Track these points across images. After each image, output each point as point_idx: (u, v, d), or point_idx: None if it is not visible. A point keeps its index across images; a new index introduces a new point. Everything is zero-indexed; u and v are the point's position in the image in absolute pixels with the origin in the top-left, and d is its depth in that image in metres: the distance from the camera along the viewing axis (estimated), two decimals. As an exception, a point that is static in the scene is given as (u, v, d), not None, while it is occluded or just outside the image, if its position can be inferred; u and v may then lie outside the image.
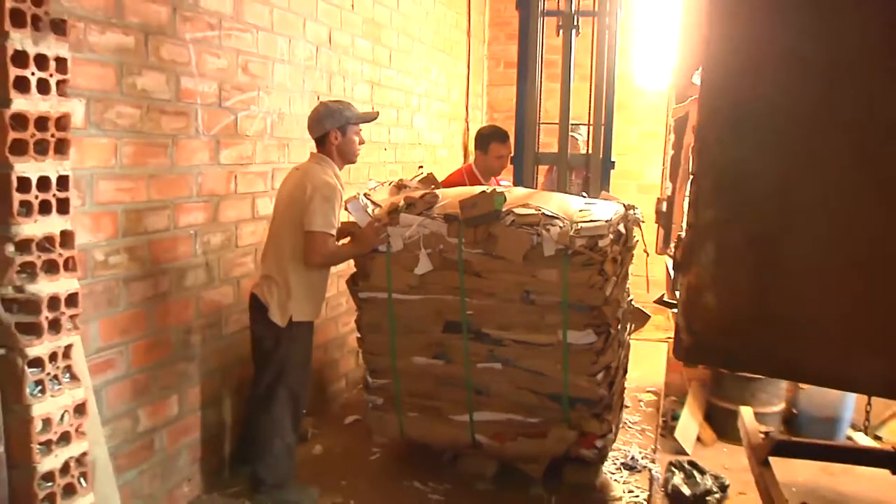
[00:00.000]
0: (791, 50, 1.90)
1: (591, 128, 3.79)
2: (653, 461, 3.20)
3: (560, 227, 2.56)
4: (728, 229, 2.15)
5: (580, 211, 2.69)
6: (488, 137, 3.89)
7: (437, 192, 2.90)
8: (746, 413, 3.70)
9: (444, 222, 2.70)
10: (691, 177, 3.24)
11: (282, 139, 3.22)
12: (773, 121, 1.97)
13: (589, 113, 3.75)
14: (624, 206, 2.84)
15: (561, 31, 3.68)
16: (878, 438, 4.26)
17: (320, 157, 2.77)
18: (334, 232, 2.69)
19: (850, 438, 4.31)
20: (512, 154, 3.88)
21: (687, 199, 2.92)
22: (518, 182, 3.84)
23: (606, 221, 2.58)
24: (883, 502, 3.54)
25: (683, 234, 2.28)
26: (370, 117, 2.93)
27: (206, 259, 2.78)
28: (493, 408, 2.79)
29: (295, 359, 2.72)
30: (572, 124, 4.98)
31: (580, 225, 2.56)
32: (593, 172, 3.65)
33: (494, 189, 2.71)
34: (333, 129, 2.74)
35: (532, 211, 2.63)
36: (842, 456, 3.48)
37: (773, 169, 2.00)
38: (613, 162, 3.71)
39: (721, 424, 4.28)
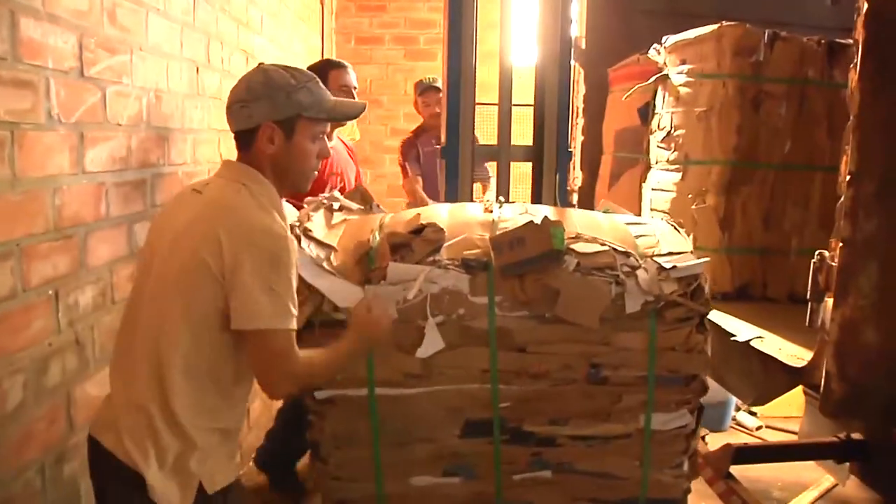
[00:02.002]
0: None
1: (535, 109, 3.11)
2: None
3: (643, 268, 1.79)
4: (899, 245, 1.65)
5: (638, 238, 1.93)
6: (323, 67, 2.90)
7: (433, 221, 1.89)
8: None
9: (463, 272, 1.78)
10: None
11: (160, 131, 2.12)
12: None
13: (535, 89, 3.06)
14: (675, 226, 2.07)
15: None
16: (753, 414, 4.27)
17: (246, 173, 1.47)
18: (294, 325, 1.42)
19: (734, 418, 4.32)
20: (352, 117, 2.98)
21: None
22: (452, 185, 3.04)
23: (692, 253, 1.87)
24: (785, 480, 3.41)
25: (829, 252, 1.74)
26: (350, 111, 1.69)
27: (76, 332, 1.66)
28: None
29: None
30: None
31: (667, 263, 1.81)
32: (547, 169, 2.99)
33: (546, 217, 1.82)
34: (268, 124, 1.47)
35: (597, 247, 1.82)
36: (798, 454, 3.37)
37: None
38: (570, 153, 3.09)
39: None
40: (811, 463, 3.26)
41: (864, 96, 1.54)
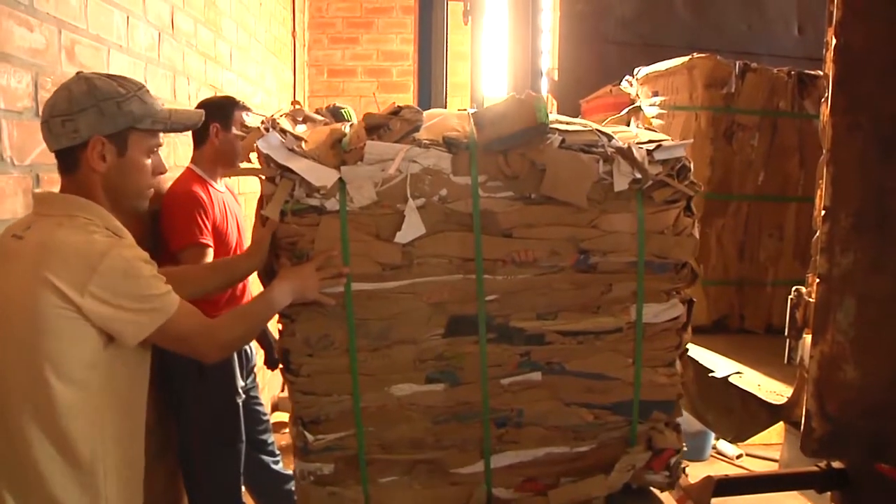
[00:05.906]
0: None
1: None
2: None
3: (628, 147, 1.72)
4: (875, 280, 1.63)
5: (616, 133, 1.85)
6: (226, 106, 2.47)
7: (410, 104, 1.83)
8: (657, 449, 3.39)
9: (444, 151, 1.67)
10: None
11: (123, 169, 2.07)
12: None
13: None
14: (650, 128, 2.09)
15: (470, 19, 2.94)
16: (733, 441, 4.33)
17: (69, 203, 1.35)
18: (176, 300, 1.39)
19: (714, 447, 4.28)
20: None
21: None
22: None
23: (671, 140, 1.81)
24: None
25: (806, 288, 1.72)
26: (188, 120, 1.51)
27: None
28: (523, 444, 1.83)
29: None
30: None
31: (650, 145, 1.75)
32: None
33: (528, 91, 1.72)
34: (98, 138, 1.33)
35: (580, 126, 1.75)
36: (778, 484, 3.35)
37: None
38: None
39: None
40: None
41: (836, 131, 1.52)
